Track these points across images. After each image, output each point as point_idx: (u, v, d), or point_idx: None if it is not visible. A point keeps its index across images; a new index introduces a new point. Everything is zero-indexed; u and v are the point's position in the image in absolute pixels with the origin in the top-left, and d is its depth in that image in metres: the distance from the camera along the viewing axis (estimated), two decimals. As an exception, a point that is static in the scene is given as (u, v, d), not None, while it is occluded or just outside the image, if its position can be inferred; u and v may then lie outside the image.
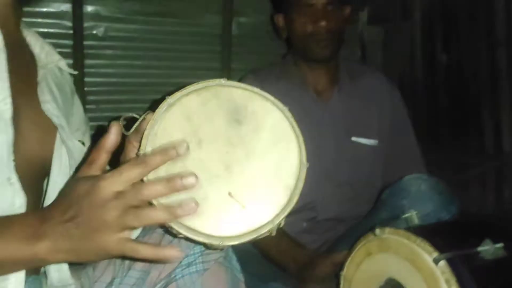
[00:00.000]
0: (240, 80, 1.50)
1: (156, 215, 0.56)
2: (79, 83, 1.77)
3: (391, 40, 2.23)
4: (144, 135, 0.61)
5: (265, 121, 0.66)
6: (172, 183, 0.56)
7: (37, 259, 0.59)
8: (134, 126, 0.65)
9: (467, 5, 1.90)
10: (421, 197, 1.09)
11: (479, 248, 0.83)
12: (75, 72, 0.97)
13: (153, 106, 0.64)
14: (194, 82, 1.86)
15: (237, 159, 0.62)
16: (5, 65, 0.71)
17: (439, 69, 2.06)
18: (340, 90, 1.44)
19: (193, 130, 0.63)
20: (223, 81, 0.67)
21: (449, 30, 2.01)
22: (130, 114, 0.67)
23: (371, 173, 1.44)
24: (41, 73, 0.83)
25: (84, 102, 1.78)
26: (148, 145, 0.61)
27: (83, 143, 0.91)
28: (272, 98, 0.68)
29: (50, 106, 0.81)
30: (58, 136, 0.82)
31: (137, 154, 0.61)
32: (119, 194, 0.55)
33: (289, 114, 0.68)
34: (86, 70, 1.79)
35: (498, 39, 1.81)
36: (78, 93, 1.75)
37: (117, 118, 0.63)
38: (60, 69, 0.91)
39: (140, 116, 0.66)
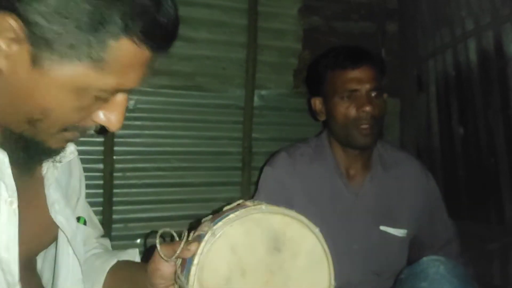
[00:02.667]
0: (272, 156, 1.56)
1: None
2: (108, 152, 1.87)
3: (407, 112, 2.30)
4: (191, 272, 0.65)
5: (301, 247, 0.71)
6: None
7: None
8: (176, 255, 0.69)
9: (481, 80, 1.96)
10: (440, 279, 1.09)
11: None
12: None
13: (191, 228, 0.68)
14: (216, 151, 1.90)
15: (276, 287, 0.68)
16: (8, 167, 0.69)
17: (456, 141, 2.09)
18: (372, 178, 1.44)
19: (237, 262, 0.67)
20: (263, 207, 0.71)
21: (465, 103, 2.05)
22: (166, 230, 0.71)
23: (398, 262, 1.43)
24: (48, 165, 0.80)
25: (112, 170, 1.87)
26: (196, 282, 0.65)
27: (84, 221, 0.91)
28: (306, 221, 0.72)
29: (58, 206, 0.79)
30: (61, 235, 0.82)
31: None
32: None
33: (321, 238, 0.72)
34: (116, 139, 1.89)
35: (513, 113, 1.86)
36: (107, 161, 1.86)
37: (152, 233, 0.68)
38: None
39: (176, 232, 0.70)
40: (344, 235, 1.39)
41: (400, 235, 1.43)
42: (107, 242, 1.07)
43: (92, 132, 0.74)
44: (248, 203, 0.73)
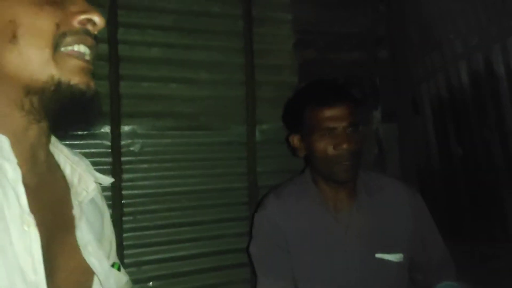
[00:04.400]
0: (262, 199, 1.61)
1: None
2: (117, 197, 1.89)
3: (405, 135, 2.35)
4: None
5: None
6: None
7: None
8: None
9: (474, 100, 2.02)
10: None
11: None
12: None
13: None
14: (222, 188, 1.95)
15: None
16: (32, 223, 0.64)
17: (455, 161, 2.14)
18: (359, 207, 1.47)
19: None
20: None
21: (461, 123, 2.10)
22: None
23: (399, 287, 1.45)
24: (76, 204, 0.78)
25: (121, 214, 1.90)
26: None
27: (118, 267, 0.88)
28: None
29: (91, 248, 0.76)
30: (96, 279, 0.78)
31: None
32: None
33: None
34: (123, 184, 1.92)
35: (509, 130, 1.90)
36: (116, 205, 1.88)
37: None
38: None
39: None
40: (341, 268, 1.41)
41: (397, 260, 1.44)
42: None
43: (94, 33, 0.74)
44: None
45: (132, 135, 1.95)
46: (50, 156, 0.78)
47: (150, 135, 1.97)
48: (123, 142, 1.93)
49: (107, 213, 0.91)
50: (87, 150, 1.88)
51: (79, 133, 1.86)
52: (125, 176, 1.93)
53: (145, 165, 1.96)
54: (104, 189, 1.92)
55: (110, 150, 1.91)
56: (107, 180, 0.87)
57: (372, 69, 2.38)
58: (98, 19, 0.72)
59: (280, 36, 2.21)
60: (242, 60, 2.12)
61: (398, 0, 2.33)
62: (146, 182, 1.96)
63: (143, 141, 1.96)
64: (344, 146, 1.38)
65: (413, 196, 1.54)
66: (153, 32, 1.98)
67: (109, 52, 1.90)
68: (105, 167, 1.89)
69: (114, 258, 0.94)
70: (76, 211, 0.77)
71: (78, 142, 1.86)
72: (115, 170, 1.90)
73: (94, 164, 1.94)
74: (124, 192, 1.92)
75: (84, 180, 0.80)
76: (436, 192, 2.18)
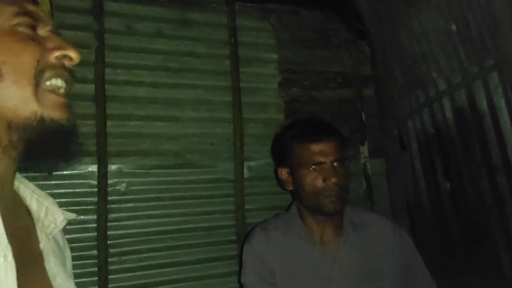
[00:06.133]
0: (248, 234, 1.59)
1: None
2: (102, 237, 1.86)
3: (393, 171, 2.36)
4: None
5: None
6: None
7: None
8: None
9: (460, 135, 2.03)
10: None
11: None
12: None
13: None
14: (210, 226, 1.93)
15: None
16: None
17: (444, 196, 2.13)
18: (346, 242, 1.48)
19: None
20: None
21: (447, 158, 2.11)
22: None
23: None
24: (43, 238, 0.78)
25: (106, 255, 1.85)
26: None
27: None
28: None
29: (60, 280, 0.76)
30: None
31: None
32: None
33: None
34: (109, 224, 1.89)
35: (495, 165, 1.90)
36: (101, 246, 1.84)
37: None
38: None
39: None
40: None
41: None
42: None
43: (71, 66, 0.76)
44: None
45: (119, 174, 1.94)
46: (14, 191, 0.79)
47: (136, 174, 1.96)
48: (110, 181, 1.92)
49: (68, 250, 0.89)
50: (71, 190, 1.86)
51: (65, 173, 1.86)
52: (111, 216, 1.90)
53: (131, 204, 1.94)
54: (89, 230, 1.91)
55: (96, 190, 1.89)
56: (71, 215, 0.84)
57: (358, 106, 2.41)
58: (73, 54, 0.76)
59: (266, 75, 2.26)
60: (229, 98, 2.15)
61: (382, 41, 2.39)
62: (131, 222, 1.93)
63: (129, 180, 1.95)
64: (333, 180, 1.41)
65: (398, 231, 1.55)
66: (140, 72, 2.01)
67: (96, 92, 1.92)
68: (90, 207, 1.87)
69: None
70: (43, 244, 0.77)
71: (63, 182, 1.85)
72: (100, 210, 1.87)
73: (79, 204, 1.94)
74: (109, 232, 1.89)
75: (52, 212, 0.80)
76: (427, 227, 2.16)
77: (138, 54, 2.01)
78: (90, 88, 1.92)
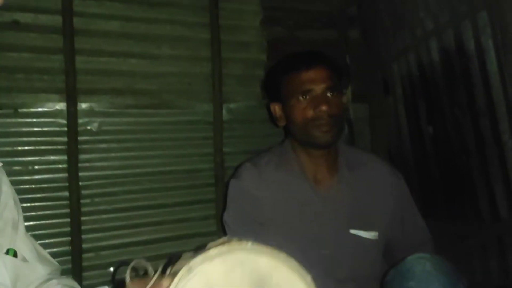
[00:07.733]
0: (237, 169, 1.52)
1: None
2: (73, 179, 1.78)
3: (376, 116, 2.31)
4: None
5: None
6: None
7: None
8: None
9: (445, 78, 1.98)
10: (427, 277, 1.06)
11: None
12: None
13: (168, 262, 0.62)
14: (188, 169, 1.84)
15: None
16: None
17: (426, 141, 2.10)
18: (340, 181, 1.42)
19: None
20: (249, 245, 0.64)
21: (432, 102, 2.07)
22: (140, 261, 0.64)
23: (373, 266, 1.40)
24: None
25: (78, 197, 1.79)
26: None
27: (14, 253, 0.82)
28: (297, 266, 0.65)
29: None
30: None
31: None
32: None
33: (312, 285, 0.65)
34: (80, 165, 1.80)
35: (480, 109, 1.87)
36: (73, 188, 1.77)
37: (124, 263, 0.61)
38: None
39: (146, 261, 0.64)
40: (314, 241, 1.36)
41: (371, 237, 1.40)
42: (70, 282, 0.95)
43: None
44: (234, 241, 0.65)
45: (90, 113, 1.84)
46: None
47: (109, 113, 1.86)
48: (80, 121, 1.82)
49: (5, 191, 0.83)
50: (40, 129, 1.76)
51: (32, 110, 1.75)
52: (82, 156, 1.82)
53: (103, 145, 1.86)
54: (59, 170, 1.82)
55: (66, 129, 1.79)
56: None
57: (343, 48, 2.32)
58: None
59: (247, 12, 2.13)
60: (208, 36, 2.03)
61: (369, -20, 2.27)
62: (104, 163, 1.85)
63: (101, 120, 1.85)
64: (323, 108, 1.31)
65: (395, 175, 1.50)
66: (111, 4, 1.87)
67: (63, 24, 1.78)
68: (60, 147, 1.78)
69: (17, 244, 0.85)
70: None
71: (31, 120, 1.75)
72: (71, 150, 1.79)
73: (48, 143, 1.84)
74: (81, 173, 1.81)
75: None
76: (408, 173, 2.14)
77: (109, -16, 1.86)
78: (57, 20, 1.78)
